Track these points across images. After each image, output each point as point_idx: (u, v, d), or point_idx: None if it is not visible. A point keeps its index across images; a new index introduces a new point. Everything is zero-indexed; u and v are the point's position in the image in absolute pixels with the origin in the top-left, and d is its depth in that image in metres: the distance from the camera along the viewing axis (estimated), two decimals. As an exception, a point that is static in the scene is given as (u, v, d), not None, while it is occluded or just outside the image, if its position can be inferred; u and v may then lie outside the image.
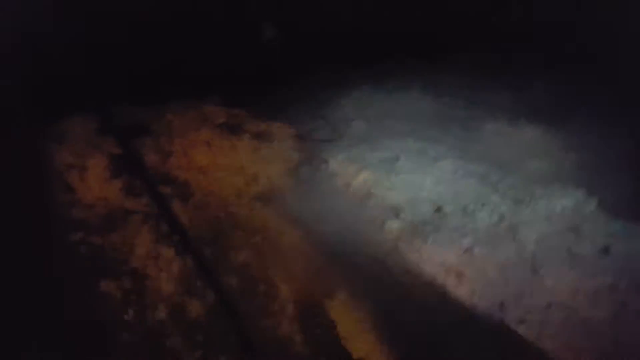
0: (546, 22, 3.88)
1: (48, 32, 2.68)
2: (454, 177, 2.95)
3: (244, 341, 2.19)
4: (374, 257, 2.57)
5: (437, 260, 2.51)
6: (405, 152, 3.12)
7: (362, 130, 3.32)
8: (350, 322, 2.33)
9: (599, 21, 3.65)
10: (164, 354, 2.13)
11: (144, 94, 3.07)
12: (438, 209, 2.77)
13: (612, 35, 3.57)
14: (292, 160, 3.09)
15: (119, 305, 2.25)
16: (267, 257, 2.54)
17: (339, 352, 2.23)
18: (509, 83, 3.70)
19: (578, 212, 2.71)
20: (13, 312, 2.04)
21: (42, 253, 2.33)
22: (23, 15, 2.66)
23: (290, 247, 2.61)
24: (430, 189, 2.86)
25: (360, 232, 2.68)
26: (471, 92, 3.66)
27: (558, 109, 3.41)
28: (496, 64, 3.88)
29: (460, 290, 2.40)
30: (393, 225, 2.69)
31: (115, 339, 2.14)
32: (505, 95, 3.62)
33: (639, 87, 3.26)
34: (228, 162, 3.03)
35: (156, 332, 2.18)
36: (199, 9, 3.20)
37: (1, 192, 2.42)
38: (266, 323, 2.28)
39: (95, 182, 2.78)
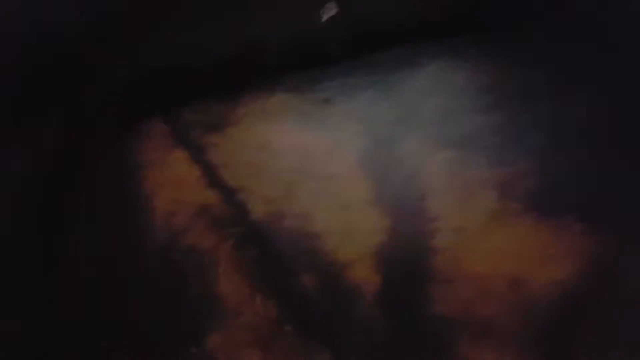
0: None
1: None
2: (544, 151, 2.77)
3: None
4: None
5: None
6: (485, 128, 3.00)
7: (438, 107, 3.23)
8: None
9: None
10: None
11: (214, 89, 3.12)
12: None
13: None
14: (363, 143, 3.07)
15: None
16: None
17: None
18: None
19: None
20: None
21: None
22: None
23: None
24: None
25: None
26: (553, 63, 3.38)
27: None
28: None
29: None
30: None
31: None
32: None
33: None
34: (297, 147, 3.06)
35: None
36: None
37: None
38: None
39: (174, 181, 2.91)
